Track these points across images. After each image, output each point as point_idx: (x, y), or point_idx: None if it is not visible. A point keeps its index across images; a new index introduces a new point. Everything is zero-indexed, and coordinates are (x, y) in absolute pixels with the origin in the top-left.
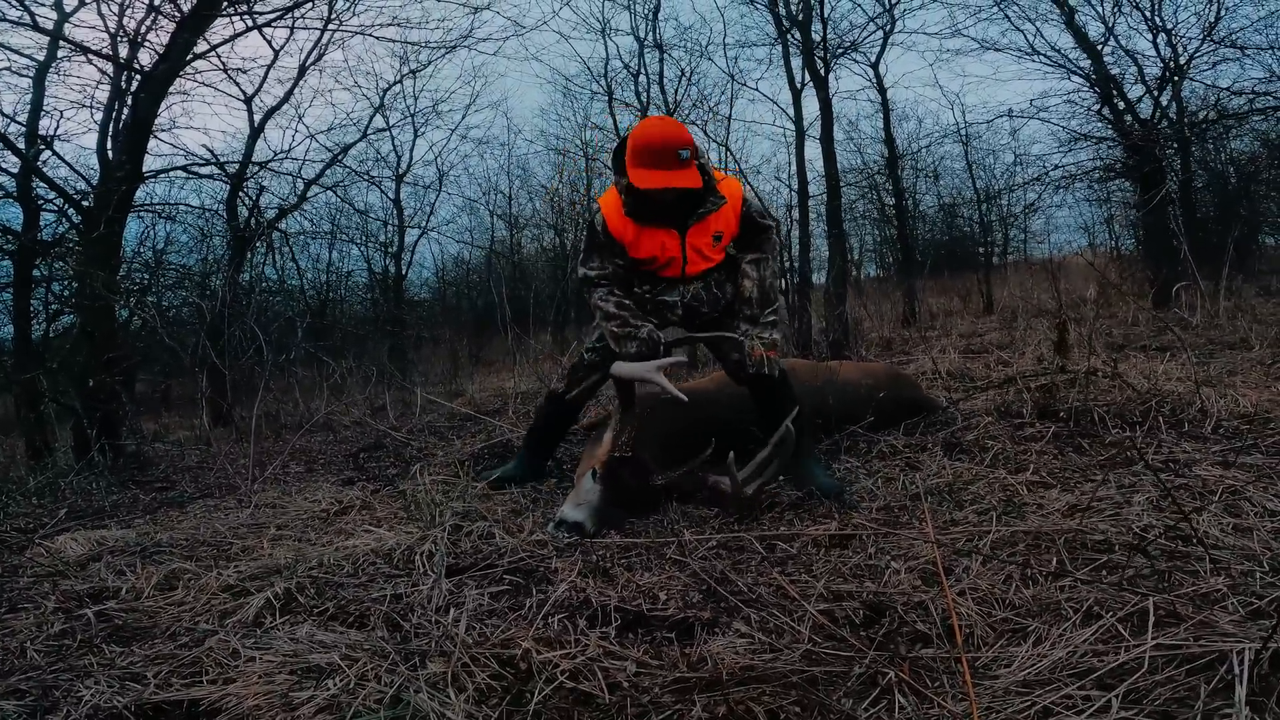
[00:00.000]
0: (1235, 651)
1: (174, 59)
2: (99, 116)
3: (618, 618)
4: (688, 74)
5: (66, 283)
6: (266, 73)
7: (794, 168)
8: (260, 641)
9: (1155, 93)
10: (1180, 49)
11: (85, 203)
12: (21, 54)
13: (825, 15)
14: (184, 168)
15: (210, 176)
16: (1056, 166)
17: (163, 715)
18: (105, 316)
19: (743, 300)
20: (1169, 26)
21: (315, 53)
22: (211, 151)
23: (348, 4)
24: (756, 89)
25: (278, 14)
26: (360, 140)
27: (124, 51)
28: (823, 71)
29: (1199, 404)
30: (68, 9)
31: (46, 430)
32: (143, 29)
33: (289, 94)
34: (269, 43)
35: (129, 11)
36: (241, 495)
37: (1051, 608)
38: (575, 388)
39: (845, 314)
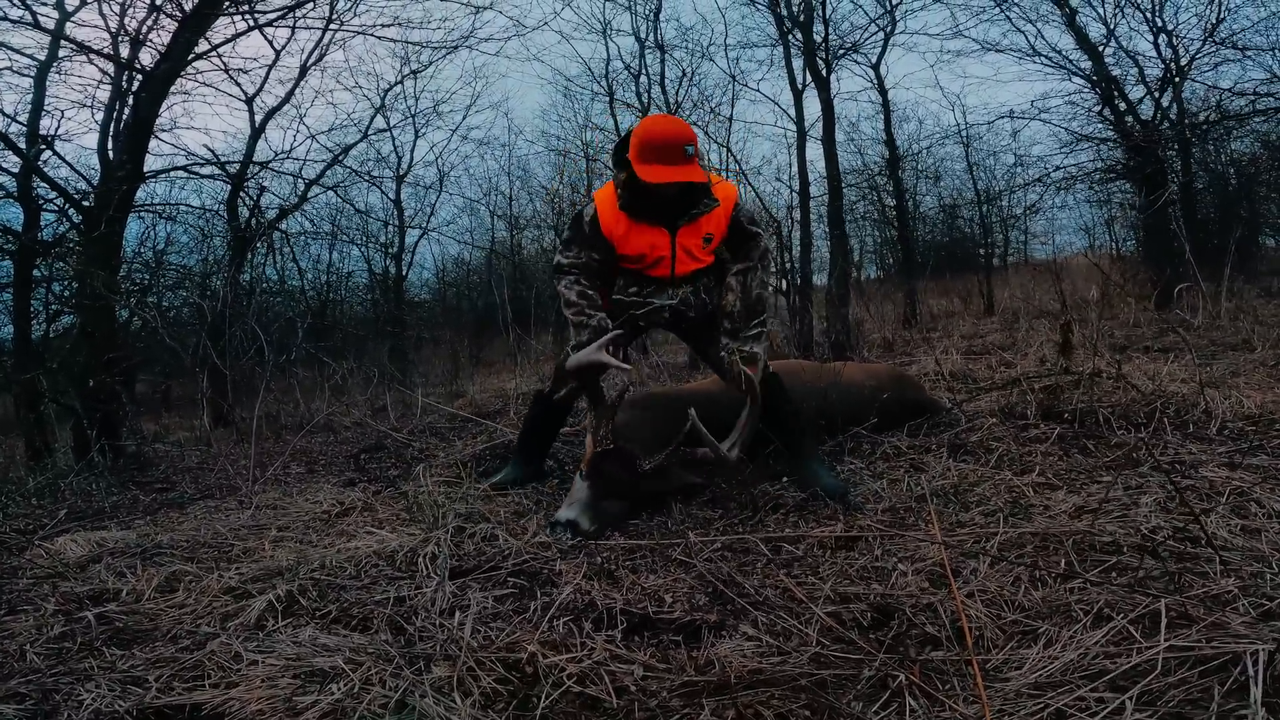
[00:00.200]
0: (1249, 653)
1: (175, 58)
2: (100, 116)
3: (623, 620)
4: (689, 74)
5: (67, 283)
6: (268, 73)
7: (795, 168)
8: (263, 645)
9: (1156, 94)
10: (1181, 50)
11: (86, 203)
12: (23, 54)
13: (827, 16)
14: (185, 168)
15: (211, 177)
16: (1058, 168)
17: None
18: (105, 317)
19: (724, 314)
20: (1170, 28)
21: (316, 53)
22: (213, 151)
23: (349, 4)
24: (758, 90)
25: (279, 14)
26: (361, 141)
27: (125, 51)
28: (824, 72)
29: (1203, 405)
30: (69, 8)
31: (46, 431)
32: (144, 28)
33: (290, 94)
34: (270, 43)
35: (130, 11)
36: (242, 496)
37: (1061, 609)
38: (562, 387)
39: (848, 315)
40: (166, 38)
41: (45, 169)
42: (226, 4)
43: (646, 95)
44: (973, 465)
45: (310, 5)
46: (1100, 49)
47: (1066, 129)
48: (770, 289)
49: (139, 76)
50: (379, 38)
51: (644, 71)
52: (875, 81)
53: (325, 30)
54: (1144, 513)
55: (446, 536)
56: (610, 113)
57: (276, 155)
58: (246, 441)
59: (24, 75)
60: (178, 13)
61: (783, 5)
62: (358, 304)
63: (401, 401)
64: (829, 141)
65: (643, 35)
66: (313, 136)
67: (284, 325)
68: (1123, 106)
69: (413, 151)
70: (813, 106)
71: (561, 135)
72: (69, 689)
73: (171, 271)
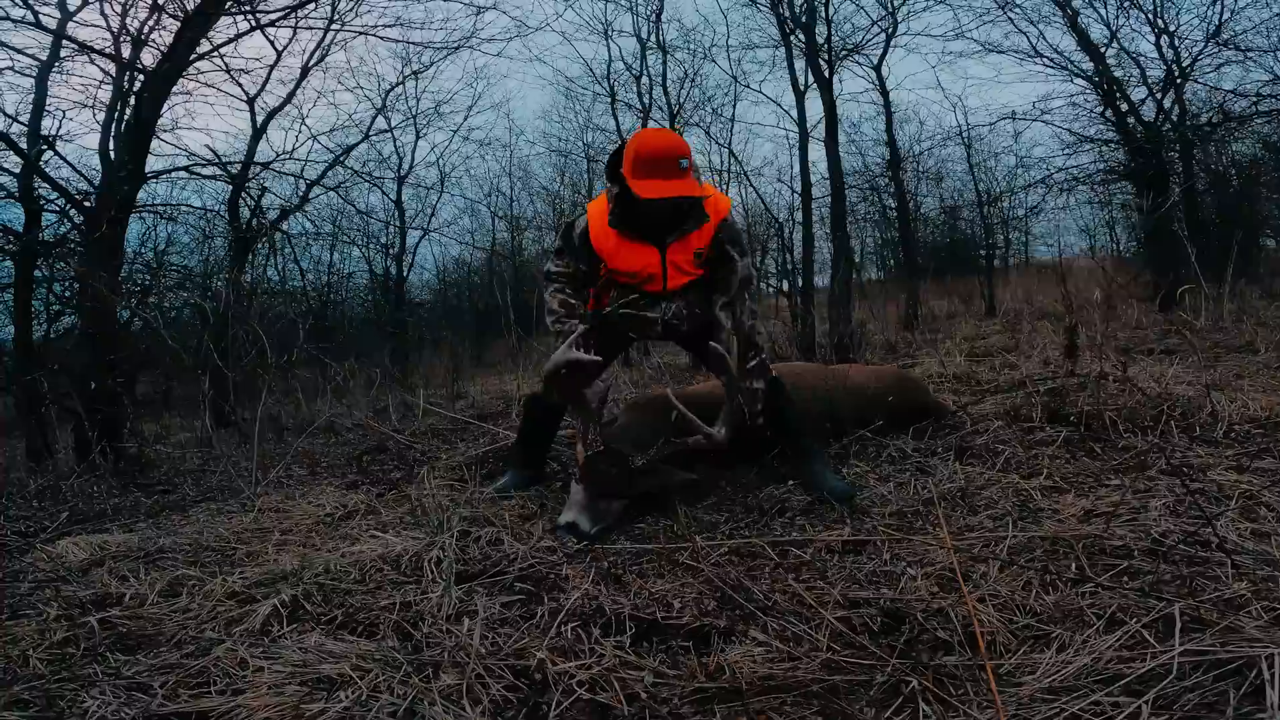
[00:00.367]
0: (1264, 656)
1: (177, 58)
2: (101, 116)
3: (632, 626)
4: (691, 76)
5: (68, 283)
6: (269, 73)
7: (796, 169)
8: (268, 651)
9: (1158, 95)
10: (1184, 52)
11: (87, 203)
12: (24, 54)
13: (829, 17)
14: (186, 168)
15: (213, 177)
16: (1060, 169)
17: None
18: (107, 317)
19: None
20: (1172, 29)
21: (318, 53)
22: (214, 152)
23: (351, 5)
24: (760, 91)
25: (281, 14)
26: (362, 141)
27: (127, 51)
28: (827, 73)
29: (1209, 408)
30: (71, 8)
31: (47, 432)
32: (146, 28)
33: (291, 95)
34: (272, 43)
35: (132, 11)
36: (244, 499)
37: (1074, 614)
38: (551, 392)
39: (851, 316)
40: (168, 38)
41: (47, 169)
42: (229, 4)
43: (648, 96)
44: (979, 468)
45: (312, 6)
46: (1102, 50)
47: (1069, 130)
48: (759, 318)
49: (141, 76)
50: (381, 38)
51: (645, 73)
52: (876, 82)
53: (327, 31)
54: (1153, 516)
55: (451, 541)
56: (612, 114)
57: (278, 156)
58: (248, 443)
59: (25, 75)
60: (180, 13)
61: (785, 6)
62: (359, 305)
63: (403, 403)
64: (832, 143)
65: (644, 36)
66: (314, 137)
67: (285, 326)
68: (1125, 108)
69: (414, 152)
70: (814, 108)
71: (563, 136)
72: (73, 696)
73: (173, 272)
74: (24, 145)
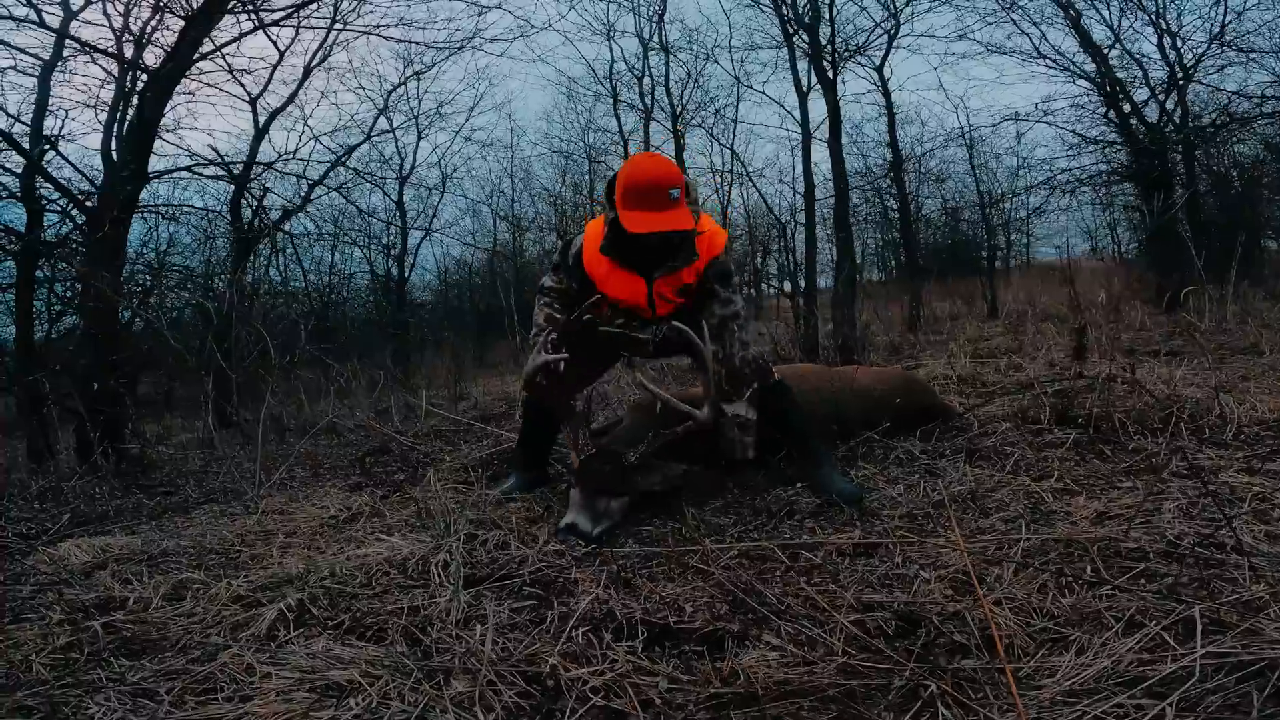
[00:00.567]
0: None
1: (180, 58)
2: (104, 116)
3: (644, 631)
4: (694, 76)
5: (70, 284)
6: (271, 73)
7: (798, 170)
8: (275, 656)
9: (1161, 97)
10: (1187, 53)
11: (89, 203)
12: (27, 53)
13: (832, 18)
14: (189, 168)
15: (215, 178)
16: (1062, 170)
17: None
18: (109, 318)
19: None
20: (1175, 30)
21: (320, 54)
22: (217, 152)
23: (353, 5)
24: (763, 91)
25: (284, 14)
26: (364, 142)
27: (130, 51)
28: (830, 74)
29: (1218, 410)
30: (74, 7)
31: (49, 433)
32: (149, 28)
33: (294, 95)
34: (274, 43)
35: (135, 10)
36: (248, 500)
37: (1092, 616)
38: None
39: (855, 318)
40: (171, 37)
41: (49, 169)
42: (232, 3)
43: (650, 97)
44: (989, 470)
45: (315, 5)
46: (1105, 51)
47: (1071, 131)
48: (751, 349)
49: (143, 76)
50: (384, 38)
51: (648, 73)
52: (878, 84)
53: (329, 30)
54: (1167, 519)
55: (458, 544)
56: (614, 114)
57: (280, 156)
58: (251, 444)
59: (28, 75)
60: (183, 12)
61: (787, 7)
62: (360, 305)
63: (405, 404)
64: (836, 144)
65: (647, 37)
66: (316, 138)
67: (288, 326)
68: (1128, 109)
69: (415, 153)
70: (816, 109)
71: (564, 137)
72: (78, 702)
73: (175, 272)
74: (26, 145)
